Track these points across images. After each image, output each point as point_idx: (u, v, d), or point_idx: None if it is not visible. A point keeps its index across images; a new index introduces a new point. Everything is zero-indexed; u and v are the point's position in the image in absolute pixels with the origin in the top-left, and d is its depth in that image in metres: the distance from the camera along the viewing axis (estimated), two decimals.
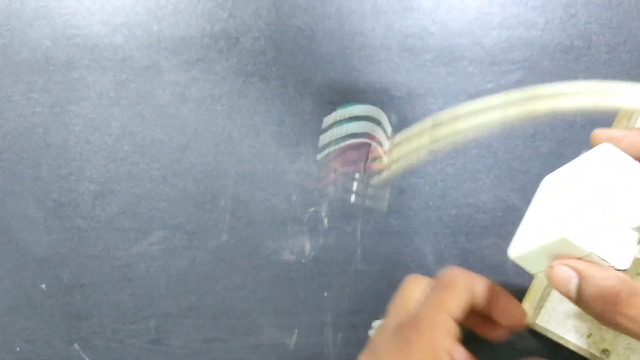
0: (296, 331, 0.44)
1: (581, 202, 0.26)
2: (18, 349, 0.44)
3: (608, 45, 0.44)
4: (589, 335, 0.37)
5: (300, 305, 0.44)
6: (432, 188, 0.44)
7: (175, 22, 0.45)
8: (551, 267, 0.26)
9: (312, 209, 0.44)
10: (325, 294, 0.44)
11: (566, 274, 0.26)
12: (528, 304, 0.39)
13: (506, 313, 0.32)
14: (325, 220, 0.44)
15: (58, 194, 0.45)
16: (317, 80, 0.45)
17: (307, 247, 0.44)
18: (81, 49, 0.45)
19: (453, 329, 0.30)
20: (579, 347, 0.37)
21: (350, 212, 0.44)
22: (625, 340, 0.37)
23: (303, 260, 0.44)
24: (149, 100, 0.45)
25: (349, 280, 0.44)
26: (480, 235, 0.43)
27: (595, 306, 0.25)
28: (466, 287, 0.32)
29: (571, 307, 0.37)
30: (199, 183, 0.45)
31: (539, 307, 0.38)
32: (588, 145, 0.32)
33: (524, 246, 0.28)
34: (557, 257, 0.26)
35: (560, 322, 0.37)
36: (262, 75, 0.45)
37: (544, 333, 0.38)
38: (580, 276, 0.25)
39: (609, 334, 0.37)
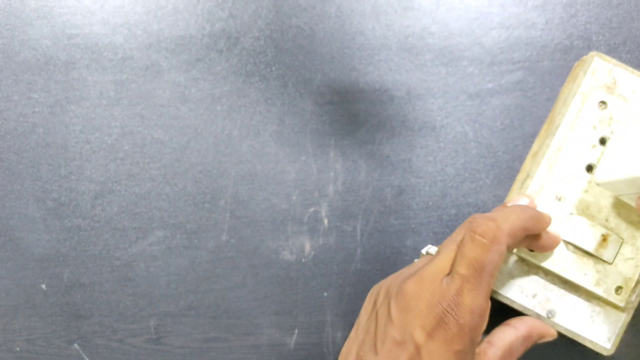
0: (296, 331, 0.44)
1: None
2: (18, 348, 0.44)
3: (608, 45, 0.44)
4: (534, 296, 0.37)
5: (300, 305, 0.44)
6: (432, 188, 0.44)
7: (175, 22, 0.45)
8: None
9: (312, 209, 0.44)
10: (325, 293, 0.44)
11: None
12: None
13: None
14: (325, 220, 0.44)
15: (58, 193, 0.45)
16: (317, 80, 0.45)
17: (307, 246, 0.44)
18: (81, 49, 0.45)
19: None
20: (524, 307, 0.37)
21: (351, 212, 0.44)
22: (570, 300, 0.37)
23: (303, 260, 0.44)
24: (149, 100, 0.45)
25: (349, 280, 0.44)
26: None
27: None
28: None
29: (515, 267, 0.37)
30: (199, 183, 0.45)
31: None
32: None
33: (612, 174, 0.34)
34: None
35: (504, 281, 0.37)
36: (262, 75, 0.45)
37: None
38: None
39: (553, 293, 0.37)
